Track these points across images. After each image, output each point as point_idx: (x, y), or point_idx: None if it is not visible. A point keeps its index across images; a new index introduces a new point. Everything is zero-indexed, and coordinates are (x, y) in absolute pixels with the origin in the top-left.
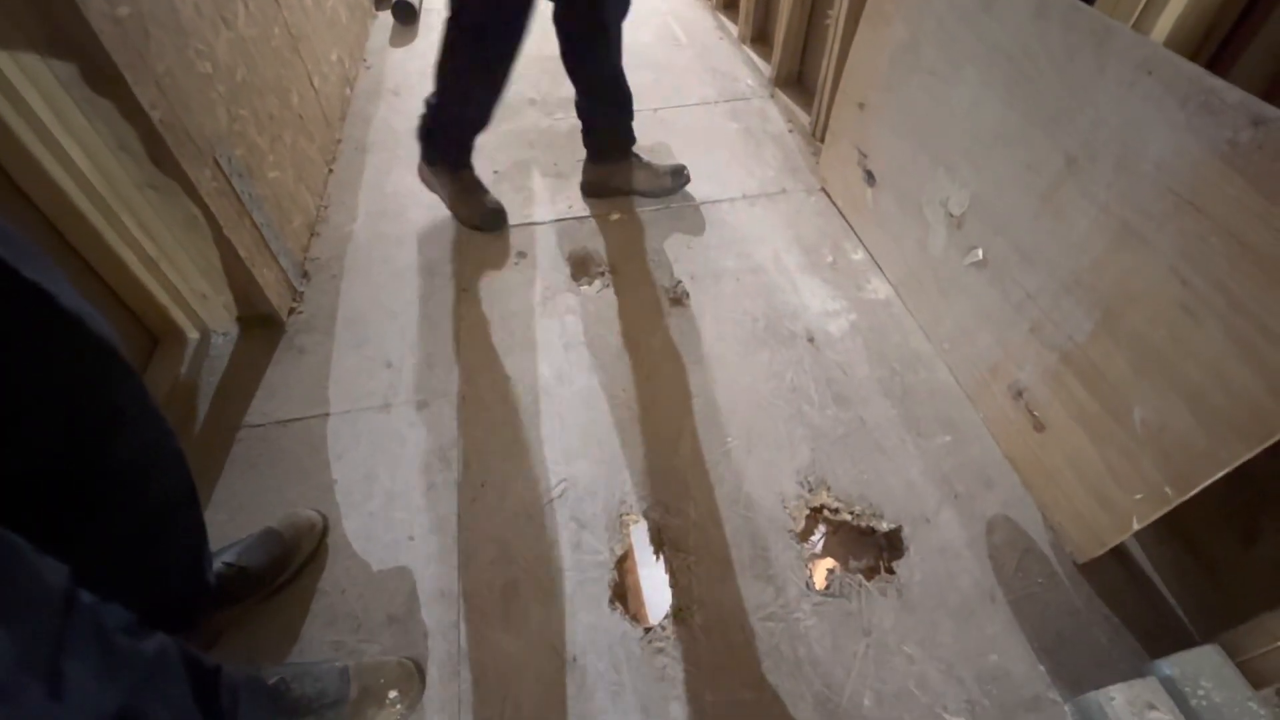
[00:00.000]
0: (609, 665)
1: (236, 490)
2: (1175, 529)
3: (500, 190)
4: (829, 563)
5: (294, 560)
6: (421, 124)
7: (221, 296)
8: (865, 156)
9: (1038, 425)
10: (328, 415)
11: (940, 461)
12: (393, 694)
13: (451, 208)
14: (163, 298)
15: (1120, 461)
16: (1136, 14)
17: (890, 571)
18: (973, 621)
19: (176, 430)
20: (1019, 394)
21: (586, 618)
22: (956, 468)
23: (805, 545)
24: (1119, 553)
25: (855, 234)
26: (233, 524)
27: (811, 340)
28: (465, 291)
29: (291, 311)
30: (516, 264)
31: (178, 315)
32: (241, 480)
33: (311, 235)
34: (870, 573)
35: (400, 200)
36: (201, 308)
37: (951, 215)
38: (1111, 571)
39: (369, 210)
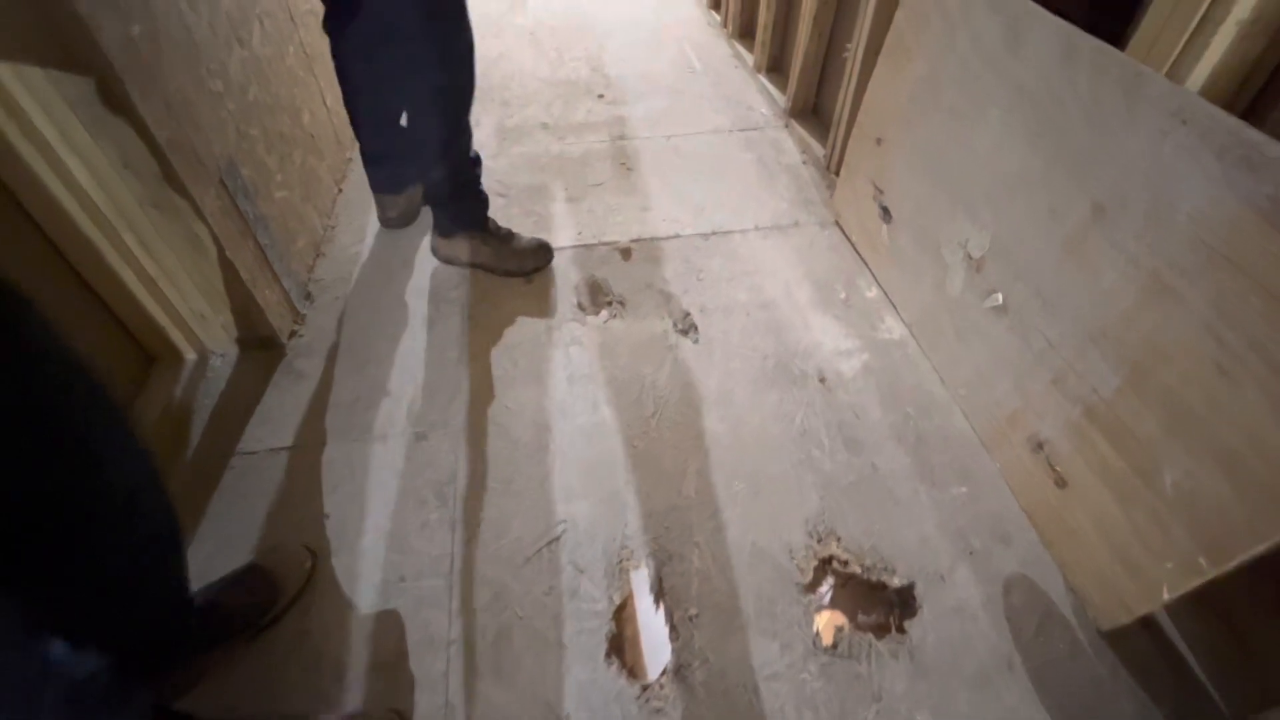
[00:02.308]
0: None
1: (226, 520)
2: (1207, 599)
3: (510, 215)
4: (838, 618)
5: (280, 600)
6: (430, 194)
7: (221, 317)
8: (881, 193)
9: (1059, 481)
10: (324, 444)
11: (955, 514)
12: None
13: (494, 267)
14: (160, 318)
15: (1149, 526)
16: (1170, 61)
17: (902, 631)
18: (989, 690)
19: (161, 465)
20: (1039, 446)
21: (581, 672)
22: (972, 521)
23: (813, 598)
24: (1146, 621)
25: (869, 271)
26: (220, 556)
27: (823, 381)
28: (470, 319)
29: (292, 334)
30: (524, 292)
31: (175, 336)
32: (231, 510)
33: (317, 256)
34: (881, 631)
35: None
36: (200, 328)
37: (971, 257)
38: (1138, 641)
39: (376, 232)
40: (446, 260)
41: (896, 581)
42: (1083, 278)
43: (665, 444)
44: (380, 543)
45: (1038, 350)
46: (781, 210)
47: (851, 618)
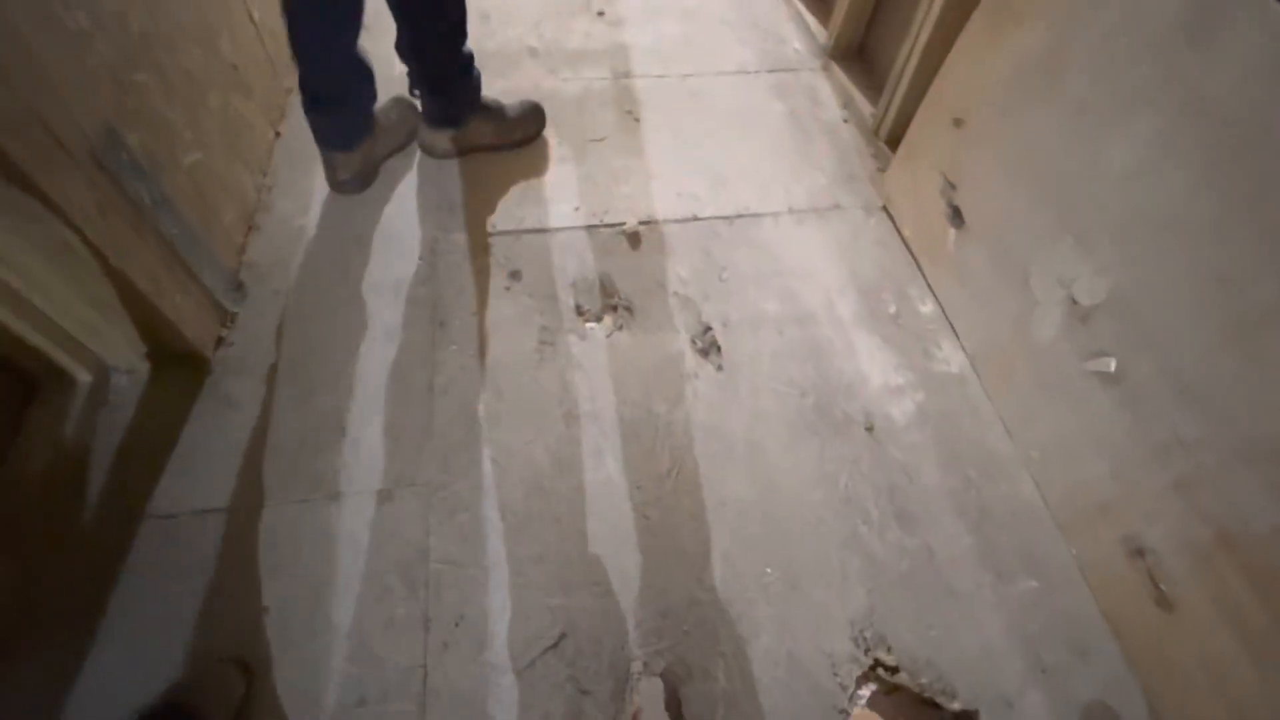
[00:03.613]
0: None
1: (134, 614)
2: None
3: (490, 174)
4: None
5: None
6: (421, 81)
7: (118, 328)
8: (954, 188)
9: (1163, 602)
10: (261, 505)
11: (1025, 617)
12: None
13: (499, 144)
14: (33, 337)
15: None
16: None
17: None
18: None
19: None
20: (1138, 553)
21: None
22: (1044, 626)
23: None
24: None
25: (924, 278)
26: (126, 669)
27: (870, 430)
28: (443, 327)
29: (220, 342)
30: (508, 289)
31: (59, 356)
32: (141, 599)
33: (249, 230)
34: None
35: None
36: (93, 341)
37: (1075, 302)
38: None
39: (325, 197)
40: (444, 154)
41: (956, 706)
42: (1250, 376)
43: (683, 513)
44: (334, 648)
45: (1159, 442)
46: (819, 187)
47: None
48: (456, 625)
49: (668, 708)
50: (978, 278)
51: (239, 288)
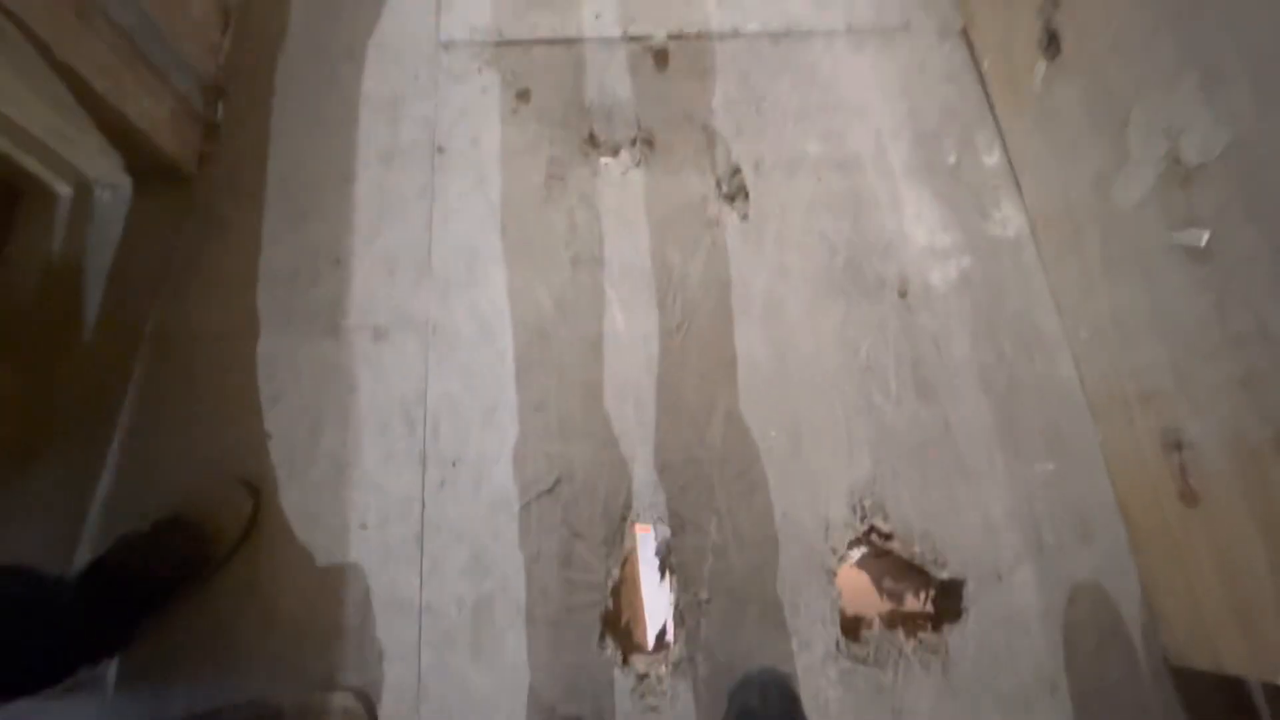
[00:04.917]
0: (591, 717)
1: (143, 433)
2: None
3: None
4: (867, 606)
5: (215, 554)
6: None
7: (90, 136)
8: (1056, 5)
9: (1187, 495)
10: (257, 334)
11: (1034, 497)
12: None
13: None
14: (1, 143)
15: None
16: None
17: (937, 630)
18: (1025, 715)
19: None
20: (1176, 446)
21: (571, 655)
22: (1051, 509)
23: (843, 573)
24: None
25: (996, 123)
26: (138, 483)
27: (904, 295)
28: (442, 152)
29: (204, 159)
30: (515, 112)
31: (30, 163)
32: (149, 419)
33: (226, 25)
34: (913, 626)
35: None
36: (66, 150)
37: (1178, 160)
38: (1209, 688)
39: None
40: None
41: (945, 574)
42: None
43: (691, 370)
44: (336, 476)
45: (1236, 333)
46: (888, 0)
47: (881, 596)
48: (453, 465)
49: (658, 555)
50: (1062, 124)
51: (219, 94)
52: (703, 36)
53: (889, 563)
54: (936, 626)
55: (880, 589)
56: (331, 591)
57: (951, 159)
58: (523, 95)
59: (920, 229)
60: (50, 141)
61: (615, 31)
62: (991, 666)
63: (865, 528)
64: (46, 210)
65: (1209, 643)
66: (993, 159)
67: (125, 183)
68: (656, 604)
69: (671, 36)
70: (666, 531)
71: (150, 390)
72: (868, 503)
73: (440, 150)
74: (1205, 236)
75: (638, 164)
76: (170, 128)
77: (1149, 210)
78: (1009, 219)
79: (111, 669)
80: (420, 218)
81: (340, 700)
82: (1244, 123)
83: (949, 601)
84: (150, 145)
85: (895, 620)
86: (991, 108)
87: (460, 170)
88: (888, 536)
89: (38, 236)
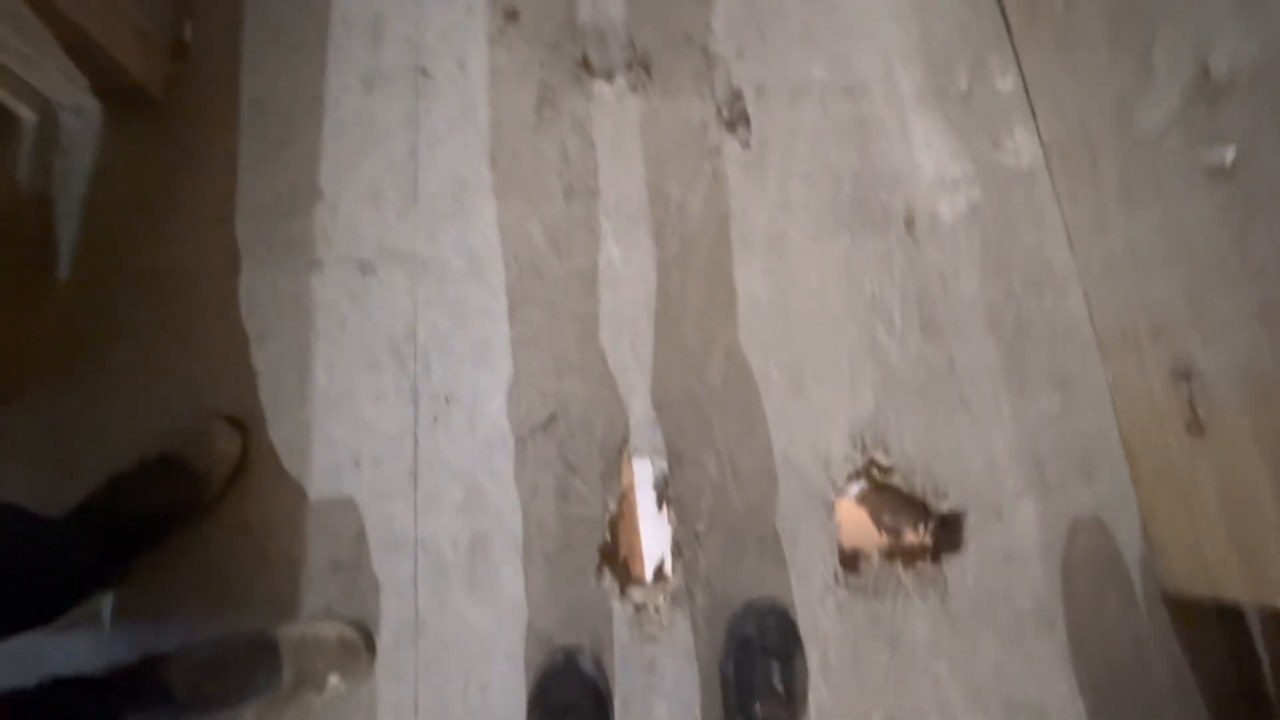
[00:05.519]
0: (590, 649)
1: (127, 370)
2: None
3: None
4: (865, 540)
5: (205, 493)
6: None
7: (52, 58)
8: None
9: (1193, 425)
10: (238, 269)
11: (1037, 435)
12: (333, 679)
13: None
14: None
15: None
16: None
17: (936, 562)
18: (1020, 647)
19: None
20: (1185, 376)
21: (568, 588)
22: (1055, 447)
23: (840, 507)
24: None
25: (1012, 45)
26: (123, 421)
27: (910, 227)
28: (426, 75)
29: (171, 81)
30: (503, 32)
31: None
32: (132, 355)
33: None
34: (911, 558)
35: None
36: (25, 70)
37: (1207, 74)
38: (1203, 616)
39: None
40: None
41: (945, 507)
42: None
43: (689, 306)
44: (327, 414)
45: (1257, 260)
46: None
47: (880, 530)
48: (446, 402)
49: (655, 489)
50: (1084, 45)
51: (186, 12)
52: None
53: (889, 497)
54: (935, 558)
55: (879, 523)
56: (325, 528)
57: (964, 84)
58: (511, 14)
59: (929, 158)
60: (9, 61)
61: None
62: (989, 600)
63: (865, 461)
64: (12, 137)
65: (1206, 571)
66: (1006, 84)
67: (93, 108)
68: (654, 537)
69: None
70: (664, 466)
71: (131, 327)
72: (869, 437)
73: (424, 73)
74: (1231, 153)
75: (634, 89)
76: (135, 47)
77: (1172, 134)
78: (1022, 148)
79: (108, 606)
80: (404, 145)
81: (337, 630)
82: (1273, 35)
83: (949, 534)
84: (114, 65)
85: (894, 553)
86: (1008, 29)
87: (446, 95)
88: (888, 470)
89: (2, 162)
